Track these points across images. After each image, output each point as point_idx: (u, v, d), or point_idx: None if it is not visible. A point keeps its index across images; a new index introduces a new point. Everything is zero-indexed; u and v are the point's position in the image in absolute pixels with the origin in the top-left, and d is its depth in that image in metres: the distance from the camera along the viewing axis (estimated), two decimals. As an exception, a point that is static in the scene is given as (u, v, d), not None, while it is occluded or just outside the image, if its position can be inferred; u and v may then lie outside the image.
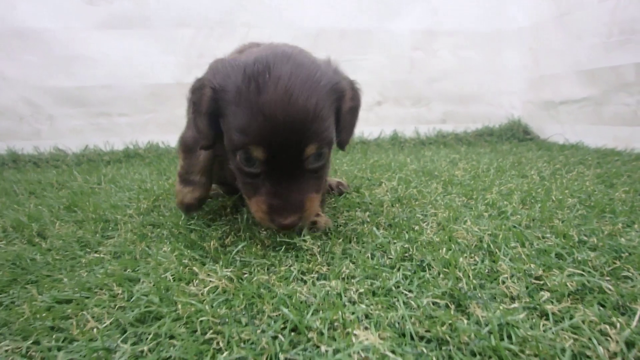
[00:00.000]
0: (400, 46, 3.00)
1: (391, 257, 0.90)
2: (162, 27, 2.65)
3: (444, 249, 0.92)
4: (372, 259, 0.90)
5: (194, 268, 0.86)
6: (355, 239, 1.02)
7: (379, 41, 2.96)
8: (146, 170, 2.17)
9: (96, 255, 0.97)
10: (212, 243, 1.00)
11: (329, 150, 0.97)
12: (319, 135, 0.90)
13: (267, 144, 0.88)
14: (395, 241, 0.98)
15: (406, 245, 0.95)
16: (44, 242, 1.05)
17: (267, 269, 0.87)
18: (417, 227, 1.08)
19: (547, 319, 0.67)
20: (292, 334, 0.65)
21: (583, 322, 0.65)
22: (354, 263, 0.88)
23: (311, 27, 2.84)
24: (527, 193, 1.39)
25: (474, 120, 3.15)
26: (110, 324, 0.69)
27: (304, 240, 0.98)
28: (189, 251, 0.96)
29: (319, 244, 0.98)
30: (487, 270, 0.83)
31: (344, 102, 0.97)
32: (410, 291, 0.76)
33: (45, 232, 1.14)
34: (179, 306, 0.71)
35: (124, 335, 0.66)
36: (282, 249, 0.96)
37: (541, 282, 0.77)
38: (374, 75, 2.96)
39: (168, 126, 2.74)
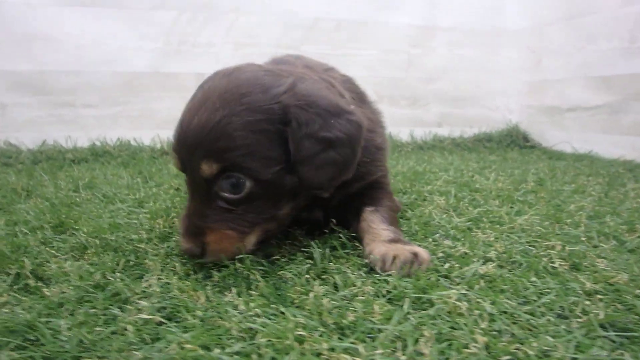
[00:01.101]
0: (397, 41, 2.85)
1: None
2: (139, 7, 2.36)
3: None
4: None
5: (313, 342, 0.61)
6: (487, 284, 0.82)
7: (375, 34, 2.80)
8: (124, 172, 1.89)
9: (142, 315, 0.69)
10: (296, 288, 0.78)
11: (254, 182, 0.85)
12: (220, 154, 0.83)
13: (177, 152, 0.91)
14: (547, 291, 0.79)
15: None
16: (47, 289, 0.77)
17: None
18: (547, 267, 0.89)
19: None
20: None
21: None
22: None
23: (305, 16, 2.64)
24: (620, 215, 1.27)
25: (470, 124, 3.06)
26: None
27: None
28: (276, 304, 0.73)
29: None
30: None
31: (290, 127, 0.84)
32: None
33: (42, 272, 0.85)
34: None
35: None
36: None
37: None
38: (369, 72, 2.80)
39: (141, 120, 2.46)
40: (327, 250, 0.95)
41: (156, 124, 2.47)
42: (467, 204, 1.38)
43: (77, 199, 1.42)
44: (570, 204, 1.39)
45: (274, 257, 0.94)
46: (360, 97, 1.24)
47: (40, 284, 0.80)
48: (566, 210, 1.33)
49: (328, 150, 0.87)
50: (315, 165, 0.86)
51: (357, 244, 1.01)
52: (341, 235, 1.03)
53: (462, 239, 1.06)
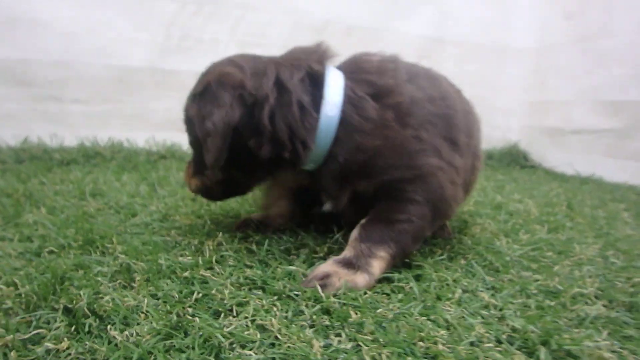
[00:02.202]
0: (406, 52, 2.75)
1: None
2: (139, -4, 2.18)
3: None
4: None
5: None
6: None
7: (385, 43, 2.69)
8: (126, 178, 1.71)
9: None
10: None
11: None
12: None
13: None
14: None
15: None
16: (116, 332, 0.62)
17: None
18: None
19: None
20: None
21: None
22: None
23: (317, 17, 2.53)
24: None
25: (471, 140, 3.01)
26: None
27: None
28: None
29: None
30: None
31: None
32: None
33: (99, 308, 0.68)
34: None
35: None
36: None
37: None
38: (376, 82, 2.70)
39: (135, 121, 2.27)
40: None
41: (152, 125, 2.29)
42: (516, 229, 1.31)
43: (88, 209, 1.25)
44: (614, 231, 1.36)
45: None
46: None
47: (102, 324, 0.65)
48: (619, 239, 1.28)
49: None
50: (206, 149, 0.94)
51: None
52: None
53: (540, 271, 0.98)
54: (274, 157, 0.95)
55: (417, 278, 0.90)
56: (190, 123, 1.01)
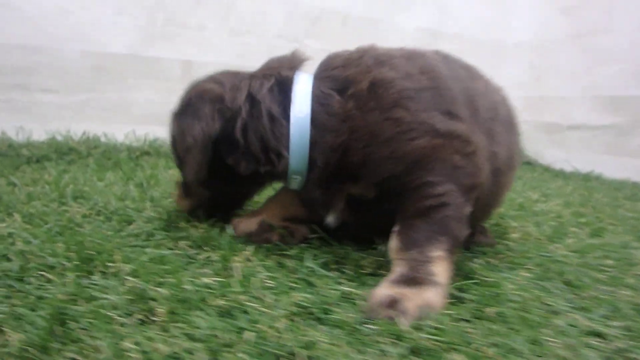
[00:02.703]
0: (403, 44, 2.63)
1: None
2: (119, -25, 1.95)
3: None
4: None
5: None
6: None
7: (382, 35, 2.57)
8: (111, 177, 1.49)
9: None
10: None
11: None
12: None
13: None
14: None
15: None
16: None
17: None
18: None
19: None
20: None
21: None
22: None
23: (311, 6, 2.34)
24: None
25: (465, 137, 2.91)
26: None
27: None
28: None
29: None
30: None
31: None
32: None
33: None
34: None
35: None
36: None
37: None
38: (372, 75, 2.55)
39: (114, 113, 2.03)
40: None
41: (132, 117, 2.06)
42: (559, 234, 1.20)
43: (73, 216, 1.03)
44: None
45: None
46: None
47: None
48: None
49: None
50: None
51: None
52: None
53: (613, 283, 0.86)
54: (254, 172, 0.90)
55: (494, 297, 0.74)
56: (174, 142, 0.99)
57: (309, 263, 0.82)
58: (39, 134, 1.87)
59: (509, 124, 1.00)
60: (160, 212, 1.12)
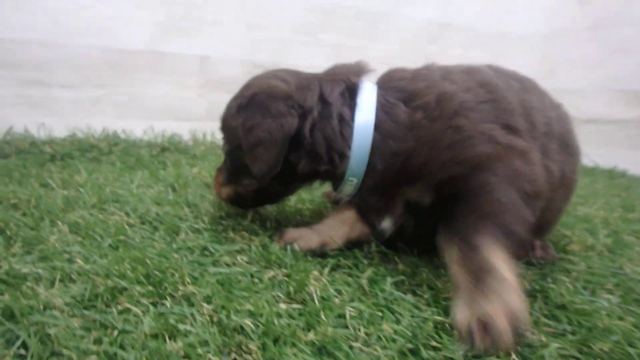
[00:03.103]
0: (415, 37, 2.63)
1: None
2: (138, -32, 1.90)
3: None
4: None
5: None
6: None
7: (394, 27, 2.55)
8: (136, 175, 1.47)
9: None
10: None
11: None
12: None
13: None
14: None
15: None
16: None
17: None
18: None
19: None
20: None
21: None
22: None
23: (326, 0, 2.30)
24: None
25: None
26: None
27: None
28: None
29: None
30: None
31: None
32: None
33: None
34: None
35: None
36: None
37: None
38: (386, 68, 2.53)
39: (131, 108, 2.01)
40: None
41: (148, 113, 2.03)
42: (621, 244, 1.19)
43: (120, 226, 1.02)
44: None
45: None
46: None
47: None
48: None
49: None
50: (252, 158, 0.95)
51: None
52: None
53: None
54: (312, 170, 0.96)
55: (594, 329, 0.74)
56: (232, 133, 1.01)
57: (385, 285, 0.83)
58: (60, 130, 1.84)
59: (564, 143, 1.01)
60: (203, 220, 1.11)
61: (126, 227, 1.01)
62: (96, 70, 1.89)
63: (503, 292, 0.69)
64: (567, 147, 1.03)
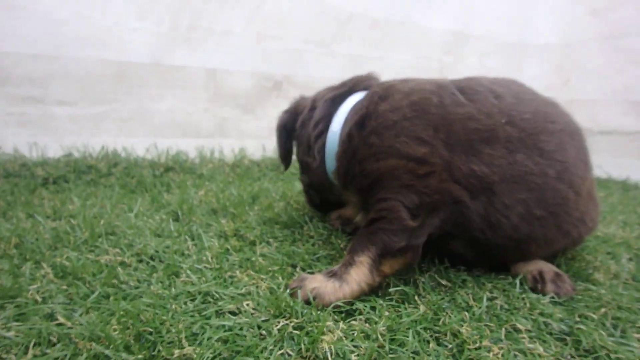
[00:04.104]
0: (431, 46, 2.52)
1: None
2: (141, -24, 1.79)
3: None
4: None
5: None
6: None
7: (410, 37, 2.44)
8: (135, 201, 1.35)
9: None
10: None
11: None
12: None
13: None
14: None
15: None
16: None
17: None
18: None
19: None
20: None
21: None
22: None
23: (341, 9, 2.20)
24: None
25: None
26: None
27: None
28: None
29: None
30: None
31: None
32: None
33: None
34: None
35: None
36: None
37: None
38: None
39: (134, 124, 1.89)
40: None
41: (153, 129, 1.92)
42: (638, 268, 1.09)
43: (112, 266, 0.89)
44: None
45: None
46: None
47: None
48: None
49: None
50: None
51: None
52: None
53: None
54: (306, 162, 1.21)
55: None
56: None
57: (407, 336, 0.70)
58: (54, 150, 1.73)
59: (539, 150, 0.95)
60: (207, 256, 0.98)
61: (119, 269, 0.88)
62: (96, 84, 1.78)
63: (329, 284, 0.83)
64: (544, 155, 0.95)
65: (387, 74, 2.41)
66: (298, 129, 1.20)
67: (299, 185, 1.81)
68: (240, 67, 2.04)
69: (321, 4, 2.14)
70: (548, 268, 0.98)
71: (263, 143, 2.15)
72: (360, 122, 1.01)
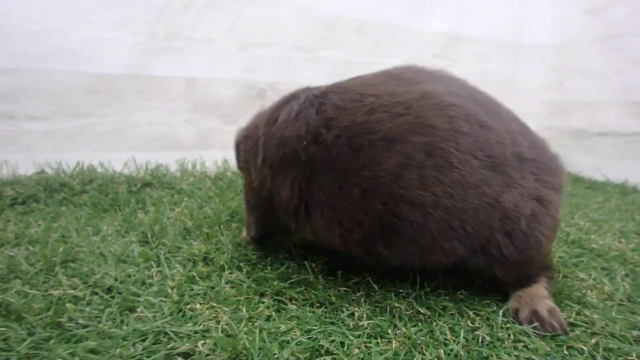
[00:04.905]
0: (422, 50, 2.46)
1: None
2: (114, -16, 1.75)
3: None
4: None
5: None
6: None
7: (400, 41, 2.38)
8: (104, 222, 1.30)
9: None
10: None
11: None
12: None
13: None
14: None
15: None
16: None
17: None
18: None
19: None
20: None
21: None
22: None
23: (327, 13, 2.15)
24: None
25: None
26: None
27: None
28: None
29: None
30: None
31: None
32: None
33: None
34: None
35: None
36: None
37: None
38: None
39: (112, 139, 1.84)
40: None
41: (131, 142, 1.87)
42: (635, 289, 1.02)
43: (64, 301, 0.84)
44: None
45: None
46: None
47: None
48: None
49: None
50: None
51: None
52: None
53: None
54: None
55: None
56: None
57: None
58: (26, 167, 1.68)
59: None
60: (169, 286, 0.93)
61: (69, 304, 0.83)
62: (70, 98, 1.73)
63: None
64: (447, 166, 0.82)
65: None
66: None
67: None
68: (222, 75, 1.99)
69: (306, 9, 2.09)
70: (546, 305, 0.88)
71: (248, 154, 2.09)
72: None
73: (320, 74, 2.19)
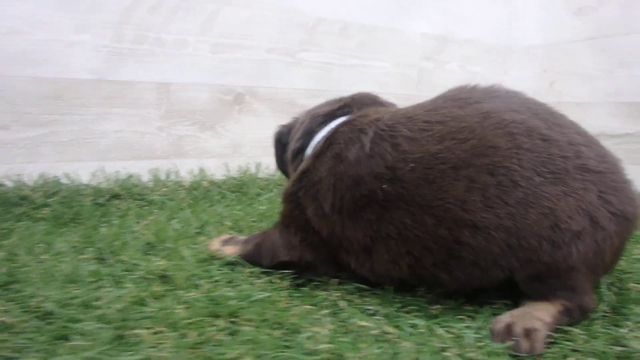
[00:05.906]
0: (408, 52, 2.42)
1: None
2: (77, -15, 1.69)
3: None
4: None
5: None
6: None
7: (386, 43, 2.34)
8: (59, 239, 1.23)
9: None
10: None
11: None
12: None
13: None
14: None
15: None
16: None
17: None
18: None
19: None
20: None
21: None
22: None
23: (307, 13, 2.10)
24: None
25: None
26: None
27: None
28: None
29: None
30: None
31: None
32: None
33: None
34: None
35: None
36: None
37: None
38: (380, 87, 2.32)
39: (77, 148, 1.78)
40: None
41: (99, 152, 1.80)
42: (620, 299, 0.96)
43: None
44: None
45: None
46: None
47: None
48: None
49: None
50: None
51: None
52: None
53: None
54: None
55: None
56: None
57: None
58: (-16, 180, 1.61)
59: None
60: (114, 309, 0.86)
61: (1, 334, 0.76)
62: (30, 105, 1.66)
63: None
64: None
65: (361, 82, 2.30)
66: (288, 156, 1.22)
67: (260, 208, 1.70)
68: (196, 79, 1.93)
69: (285, 9, 2.04)
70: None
71: (225, 162, 2.03)
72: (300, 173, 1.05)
73: (302, 77, 2.14)
